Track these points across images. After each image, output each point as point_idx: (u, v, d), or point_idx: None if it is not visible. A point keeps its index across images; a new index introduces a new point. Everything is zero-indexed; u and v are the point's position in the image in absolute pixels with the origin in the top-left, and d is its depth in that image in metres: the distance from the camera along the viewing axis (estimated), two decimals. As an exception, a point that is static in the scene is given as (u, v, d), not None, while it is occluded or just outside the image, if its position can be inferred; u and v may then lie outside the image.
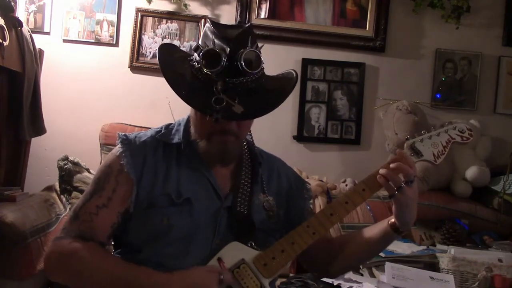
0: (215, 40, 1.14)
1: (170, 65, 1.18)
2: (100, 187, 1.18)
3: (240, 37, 1.14)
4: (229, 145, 1.19)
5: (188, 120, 1.28)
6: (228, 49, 1.12)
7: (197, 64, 1.13)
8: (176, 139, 1.24)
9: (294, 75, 1.24)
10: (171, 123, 1.30)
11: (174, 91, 1.13)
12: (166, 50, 1.23)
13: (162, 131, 1.27)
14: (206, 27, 1.20)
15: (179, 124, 1.28)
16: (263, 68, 1.17)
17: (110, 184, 1.18)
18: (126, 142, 1.22)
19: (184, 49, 2.71)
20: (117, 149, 1.21)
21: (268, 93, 1.18)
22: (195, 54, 1.15)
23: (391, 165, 1.17)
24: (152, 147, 1.22)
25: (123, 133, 1.25)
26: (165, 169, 1.20)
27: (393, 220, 1.21)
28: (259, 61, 1.14)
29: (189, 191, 1.18)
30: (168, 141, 1.24)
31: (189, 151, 1.22)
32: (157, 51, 1.22)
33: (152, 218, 1.15)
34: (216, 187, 1.21)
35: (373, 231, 1.26)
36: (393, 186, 1.15)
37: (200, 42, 1.18)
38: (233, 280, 1.11)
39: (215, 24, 1.19)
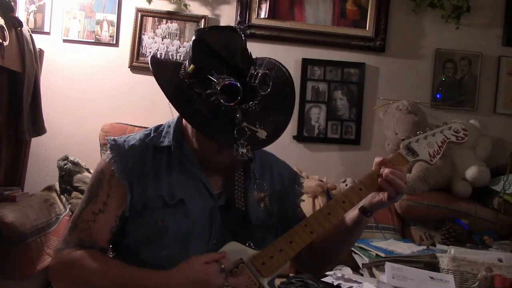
0: (221, 65, 1.09)
1: (180, 99, 1.13)
2: (94, 194, 1.18)
3: (244, 57, 1.12)
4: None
5: (178, 121, 1.27)
6: (238, 73, 1.09)
7: (211, 97, 1.07)
8: (166, 142, 1.24)
9: (288, 76, 1.23)
10: (161, 125, 1.30)
11: (198, 130, 1.12)
12: (164, 76, 1.17)
13: (152, 135, 1.26)
14: (195, 44, 1.14)
15: (169, 126, 1.27)
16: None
17: (103, 189, 1.18)
18: (115, 147, 1.21)
19: (184, 48, 2.73)
20: (107, 154, 1.21)
21: (278, 104, 1.18)
22: (193, 79, 1.11)
23: (390, 172, 1.17)
24: (141, 151, 1.22)
25: (111, 138, 1.24)
26: (156, 172, 1.20)
27: (361, 205, 1.23)
28: (270, 80, 1.13)
29: (182, 192, 1.18)
30: (158, 144, 1.23)
31: (180, 153, 1.22)
32: (159, 83, 1.14)
33: (146, 220, 1.16)
34: (208, 187, 1.21)
35: (345, 218, 1.27)
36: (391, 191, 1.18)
37: (193, 60, 1.13)
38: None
39: (205, 38, 1.13)
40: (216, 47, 1.11)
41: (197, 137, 1.21)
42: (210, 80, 1.07)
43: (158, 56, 2.72)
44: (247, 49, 1.16)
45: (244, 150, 1.07)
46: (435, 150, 1.28)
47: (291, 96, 1.22)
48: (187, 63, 1.17)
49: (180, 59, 2.71)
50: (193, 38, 1.15)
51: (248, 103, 1.10)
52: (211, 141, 1.13)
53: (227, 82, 1.07)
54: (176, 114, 1.22)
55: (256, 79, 1.10)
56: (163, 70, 1.21)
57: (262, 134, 1.10)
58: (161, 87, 1.14)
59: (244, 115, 1.09)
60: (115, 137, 1.25)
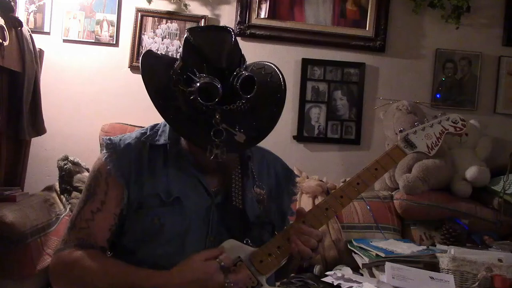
0: (203, 64, 1.08)
1: (160, 94, 1.13)
2: (92, 193, 1.18)
3: (230, 58, 1.10)
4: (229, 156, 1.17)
5: None
6: (220, 74, 1.08)
7: (191, 95, 1.07)
8: (162, 140, 1.23)
9: (282, 82, 1.20)
10: (157, 124, 1.29)
11: (172, 128, 1.12)
12: (150, 71, 1.18)
13: (148, 133, 1.25)
14: (184, 42, 1.15)
15: (165, 125, 1.27)
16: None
17: (101, 188, 1.18)
18: (111, 146, 1.21)
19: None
20: (103, 154, 1.21)
21: (266, 109, 1.16)
22: (179, 76, 1.11)
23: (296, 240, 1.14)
24: (137, 149, 1.21)
25: (107, 137, 1.24)
26: (153, 170, 1.19)
27: None
28: (254, 83, 1.11)
29: (178, 190, 1.17)
30: (153, 142, 1.23)
31: (176, 151, 1.21)
32: (142, 77, 1.16)
33: (143, 219, 1.15)
34: (205, 185, 1.21)
35: None
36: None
37: (181, 58, 1.14)
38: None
39: (194, 36, 1.13)
40: (202, 46, 1.10)
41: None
42: (192, 78, 1.07)
43: (158, 56, 2.73)
44: (237, 50, 1.14)
45: (218, 152, 1.05)
46: (433, 141, 1.26)
47: (280, 103, 1.19)
48: (178, 60, 1.17)
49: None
50: (185, 35, 1.16)
51: (229, 104, 1.09)
52: (185, 139, 1.13)
53: (205, 81, 1.06)
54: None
55: (238, 81, 1.08)
56: (154, 64, 1.21)
57: (240, 137, 1.08)
58: (144, 81, 1.14)
59: (223, 117, 1.07)
60: (110, 137, 1.25)
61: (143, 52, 1.24)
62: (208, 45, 1.11)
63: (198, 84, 1.06)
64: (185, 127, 1.10)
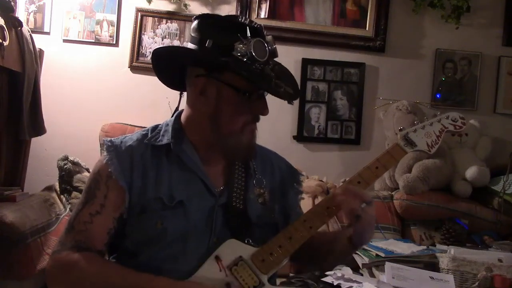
0: (238, 31, 1.12)
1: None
2: (92, 195, 1.17)
3: (252, 22, 1.16)
4: (255, 135, 1.22)
5: (176, 120, 1.25)
6: (259, 34, 1.14)
7: (245, 57, 1.10)
8: (165, 140, 1.21)
9: None
10: (158, 125, 1.28)
11: (263, 88, 1.15)
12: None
13: (149, 135, 1.24)
14: (204, 21, 1.17)
15: (167, 125, 1.25)
16: None
17: (101, 191, 1.16)
18: (112, 148, 1.19)
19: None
20: (104, 156, 1.19)
21: (286, 73, 1.23)
22: (210, 54, 1.13)
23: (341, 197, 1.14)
24: (139, 151, 1.20)
25: (108, 139, 1.23)
26: (155, 172, 1.18)
27: (349, 235, 1.20)
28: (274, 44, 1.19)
29: (181, 193, 1.16)
30: (156, 143, 1.21)
31: (179, 151, 1.20)
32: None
33: (145, 223, 1.14)
34: (209, 185, 1.20)
35: (334, 242, 1.27)
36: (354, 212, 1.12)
37: (207, 36, 1.14)
38: (232, 278, 1.10)
39: (210, 16, 1.21)
40: (228, 17, 1.18)
41: (218, 120, 1.17)
42: (234, 45, 1.10)
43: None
44: None
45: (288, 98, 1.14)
46: (433, 140, 1.27)
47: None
48: (190, 45, 1.18)
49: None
50: (197, 20, 1.18)
51: (270, 63, 1.15)
52: (271, 92, 1.13)
53: (257, 39, 1.12)
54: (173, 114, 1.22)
55: (268, 42, 1.15)
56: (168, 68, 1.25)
57: (289, 89, 1.14)
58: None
59: (272, 72, 1.14)
60: (112, 138, 1.23)
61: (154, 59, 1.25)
62: (231, 16, 1.20)
63: (251, 43, 1.10)
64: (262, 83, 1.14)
